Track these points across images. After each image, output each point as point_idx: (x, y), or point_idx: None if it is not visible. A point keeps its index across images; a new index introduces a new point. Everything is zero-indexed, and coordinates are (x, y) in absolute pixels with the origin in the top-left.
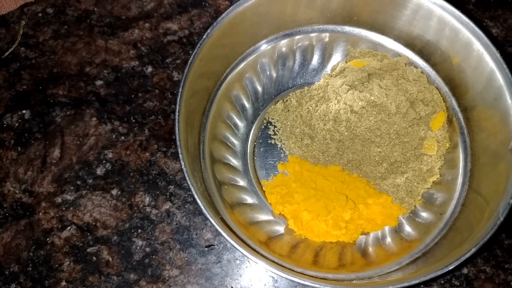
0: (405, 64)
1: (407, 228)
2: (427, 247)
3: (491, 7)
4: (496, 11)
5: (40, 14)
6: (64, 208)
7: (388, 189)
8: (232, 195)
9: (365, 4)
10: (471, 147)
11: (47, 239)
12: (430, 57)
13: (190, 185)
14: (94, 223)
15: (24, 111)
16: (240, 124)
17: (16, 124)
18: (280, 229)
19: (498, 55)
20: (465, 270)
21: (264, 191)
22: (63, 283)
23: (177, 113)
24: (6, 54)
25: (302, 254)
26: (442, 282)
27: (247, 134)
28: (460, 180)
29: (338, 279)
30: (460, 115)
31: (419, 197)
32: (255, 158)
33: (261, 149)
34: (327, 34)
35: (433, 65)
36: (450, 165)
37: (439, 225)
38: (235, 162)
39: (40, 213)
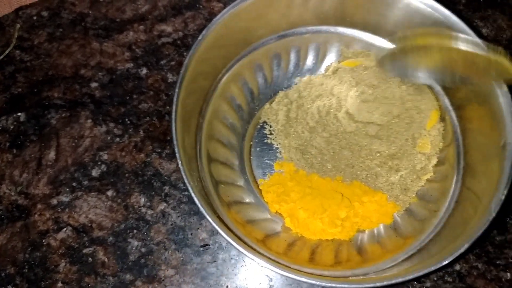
0: None
1: (402, 225)
2: (421, 243)
3: (481, 7)
4: (486, 12)
5: (35, 17)
6: (59, 210)
7: (383, 187)
8: (229, 194)
9: (357, 5)
10: (464, 145)
11: (43, 241)
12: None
13: (187, 184)
14: (89, 224)
15: (19, 114)
16: (237, 124)
17: (12, 127)
18: (277, 227)
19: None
20: (457, 267)
21: (260, 190)
22: (59, 284)
23: (173, 113)
24: (1, 57)
25: (298, 251)
26: (435, 278)
27: (244, 134)
28: (453, 177)
29: (334, 276)
30: (453, 113)
31: (414, 195)
32: (251, 157)
33: (258, 149)
34: (321, 35)
35: None
36: (443, 163)
37: (434, 222)
38: (231, 161)
39: (36, 215)
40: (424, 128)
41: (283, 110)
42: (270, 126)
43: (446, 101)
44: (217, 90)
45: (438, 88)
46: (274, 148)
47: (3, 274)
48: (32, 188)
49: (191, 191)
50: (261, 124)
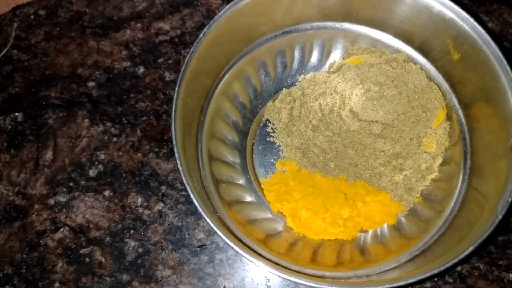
0: (404, 60)
1: (406, 226)
2: (425, 244)
3: (486, 1)
4: (492, 6)
5: (32, 16)
6: (57, 210)
7: (386, 186)
8: (230, 193)
9: (364, 1)
10: (471, 144)
11: (40, 241)
12: (430, 53)
13: (186, 184)
14: (86, 225)
15: (16, 114)
16: (239, 122)
17: (9, 127)
18: (279, 227)
19: (498, 51)
20: (458, 267)
21: (262, 189)
22: (57, 284)
23: (173, 113)
24: None
25: (300, 252)
26: (435, 279)
27: (246, 132)
28: (459, 177)
29: (336, 277)
30: (460, 112)
31: (418, 195)
32: (253, 155)
33: (260, 147)
34: (326, 31)
35: (433, 61)
36: (449, 163)
37: (438, 223)
38: (233, 160)
39: (33, 215)
40: (430, 127)
41: (286, 108)
42: (273, 124)
43: (453, 99)
44: (219, 87)
45: (446, 86)
46: (277, 146)
47: (0, 274)
48: (30, 188)
49: (189, 191)
50: (264, 122)
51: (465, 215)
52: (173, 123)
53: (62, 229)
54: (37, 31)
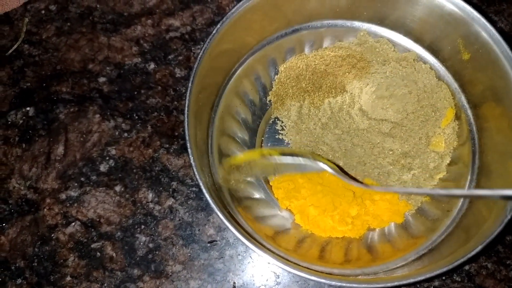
0: (414, 59)
1: (413, 225)
2: (433, 244)
3: (495, 1)
4: (501, 5)
5: (43, 11)
6: (68, 204)
7: (394, 185)
8: (239, 190)
9: None
10: (480, 144)
11: (52, 235)
12: (439, 53)
13: (198, 179)
14: (98, 219)
15: (28, 108)
16: (249, 119)
17: (21, 121)
18: (287, 223)
19: (509, 51)
20: (466, 266)
21: (271, 186)
22: (68, 278)
23: (186, 108)
24: (10, 51)
25: (308, 248)
26: (444, 278)
27: (255, 129)
28: (468, 177)
29: (343, 274)
30: (469, 111)
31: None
32: None
33: (269, 144)
34: (336, 29)
35: (443, 61)
36: (458, 162)
37: (446, 222)
38: None
39: (45, 209)
40: (439, 126)
41: (296, 106)
42: (282, 122)
43: (462, 99)
44: (230, 85)
45: (455, 86)
46: (285, 144)
47: (13, 268)
48: (41, 182)
49: (200, 184)
50: (273, 120)
51: (473, 215)
52: (186, 119)
53: (73, 223)
54: (48, 26)
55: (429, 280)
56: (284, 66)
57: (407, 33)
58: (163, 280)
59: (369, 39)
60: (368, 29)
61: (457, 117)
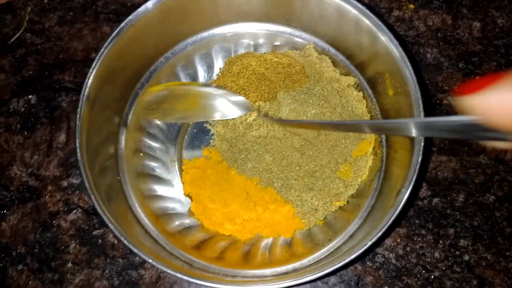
0: (348, 85)
1: (297, 244)
2: (302, 265)
3: None
4: (502, 1)
5: (45, 1)
6: (70, 192)
7: (293, 200)
8: (144, 165)
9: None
10: (382, 184)
11: (54, 222)
12: (376, 86)
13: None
14: None
15: (30, 96)
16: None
17: (23, 109)
18: (184, 210)
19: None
20: (466, 257)
21: (183, 169)
22: (69, 264)
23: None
24: (12, 40)
25: (211, 249)
26: (444, 268)
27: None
28: (359, 214)
29: (219, 272)
30: (385, 149)
31: (322, 218)
32: (185, 137)
33: (194, 130)
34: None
35: (376, 94)
36: (361, 196)
37: (322, 250)
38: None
39: (46, 196)
40: (350, 155)
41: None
42: None
43: (383, 136)
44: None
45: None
46: (210, 134)
47: (14, 254)
48: (43, 170)
49: (88, 187)
50: None
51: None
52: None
53: (75, 210)
54: (51, 15)
55: (429, 270)
56: (229, 59)
57: (351, 59)
58: None
59: (313, 53)
60: (317, 43)
61: (374, 152)
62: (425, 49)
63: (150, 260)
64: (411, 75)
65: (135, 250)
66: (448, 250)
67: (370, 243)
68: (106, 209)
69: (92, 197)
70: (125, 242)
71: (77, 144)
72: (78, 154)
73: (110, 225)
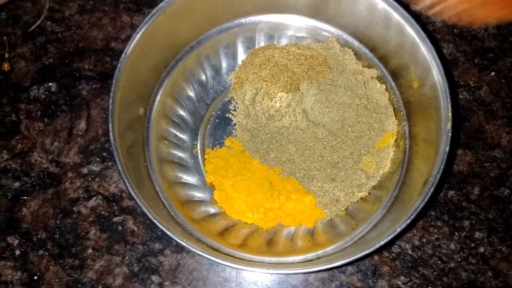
0: (372, 77)
1: (319, 233)
2: (327, 253)
3: None
4: None
5: None
6: (90, 179)
7: (315, 191)
8: (169, 153)
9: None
10: (405, 175)
11: (74, 208)
12: (399, 79)
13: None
14: (119, 194)
15: (50, 84)
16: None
17: (43, 96)
18: (207, 197)
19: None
20: (481, 249)
21: (205, 158)
22: (90, 250)
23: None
24: (33, 27)
25: (234, 236)
26: (459, 259)
27: (208, 103)
28: (382, 204)
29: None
30: (407, 142)
31: (343, 208)
32: (208, 126)
33: (216, 120)
34: (313, 30)
35: (399, 87)
36: (382, 188)
37: (346, 239)
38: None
39: (67, 183)
40: (373, 146)
41: (252, 91)
42: (236, 103)
43: (406, 128)
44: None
45: (403, 113)
46: (232, 124)
47: (35, 239)
48: (63, 156)
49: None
50: (229, 99)
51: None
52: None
53: (95, 197)
54: (71, 4)
55: (445, 261)
56: (252, 51)
57: (374, 51)
58: (184, 255)
59: (335, 46)
60: (340, 36)
61: (396, 144)
62: (441, 45)
63: (185, 244)
64: (439, 68)
65: (169, 233)
66: (463, 242)
67: (399, 229)
68: (138, 193)
69: (125, 180)
70: (160, 225)
71: (110, 128)
72: (112, 137)
73: (144, 208)
